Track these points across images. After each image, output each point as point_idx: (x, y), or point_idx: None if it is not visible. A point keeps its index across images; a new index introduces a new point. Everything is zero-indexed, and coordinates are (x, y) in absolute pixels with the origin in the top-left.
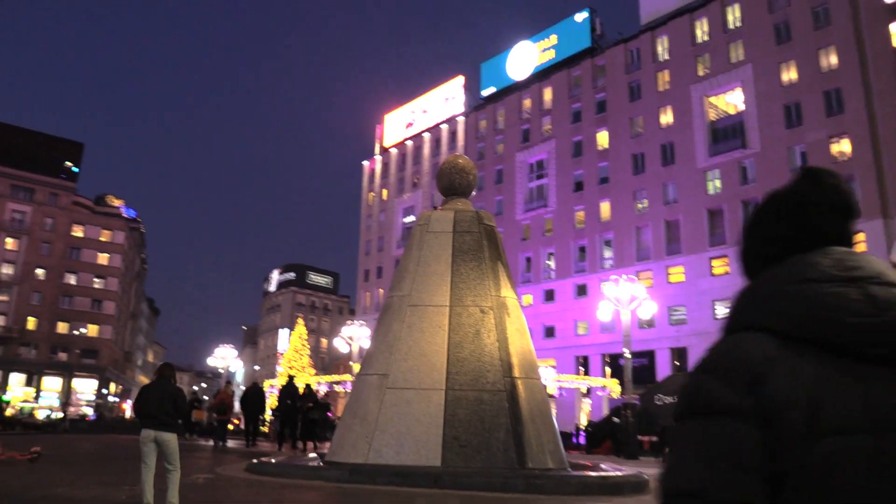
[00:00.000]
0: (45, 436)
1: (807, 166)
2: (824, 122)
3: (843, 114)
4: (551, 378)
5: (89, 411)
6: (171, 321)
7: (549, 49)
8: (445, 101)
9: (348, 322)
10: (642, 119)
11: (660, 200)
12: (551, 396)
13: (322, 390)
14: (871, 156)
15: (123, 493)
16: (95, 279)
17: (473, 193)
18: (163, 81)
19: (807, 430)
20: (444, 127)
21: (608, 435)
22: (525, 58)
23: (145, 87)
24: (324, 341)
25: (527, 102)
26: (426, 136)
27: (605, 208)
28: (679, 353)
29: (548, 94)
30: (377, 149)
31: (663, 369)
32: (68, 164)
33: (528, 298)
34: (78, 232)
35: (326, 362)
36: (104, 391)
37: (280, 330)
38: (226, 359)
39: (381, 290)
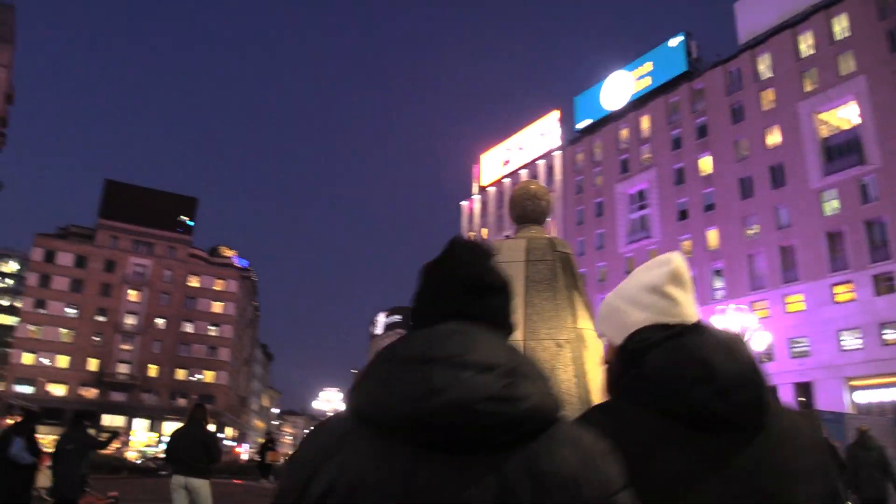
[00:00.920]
0: (150, 479)
1: (452, 237)
2: None
3: None
4: None
5: None
6: (285, 366)
7: (644, 77)
8: (541, 136)
9: None
10: (747, 141)
11: (772, 225)
12: None
13: None
14: None
15: None
16: (211, 327)
17: (548, 220)
18: (270, 133)
19: None
20: (541, 163)
21: None
22: (620, 87)
23: (254, 141)
24: None
25: (624, 132)
26: (523, 172)
27: (712, 236)
28: (804, 389)
29: (645, 122)
30: (475, 188)
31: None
32: (184, 218)
33: None
34: (194, 282)
35: None
36: (220, 435)
37: None
38: (331, 401)
39: None
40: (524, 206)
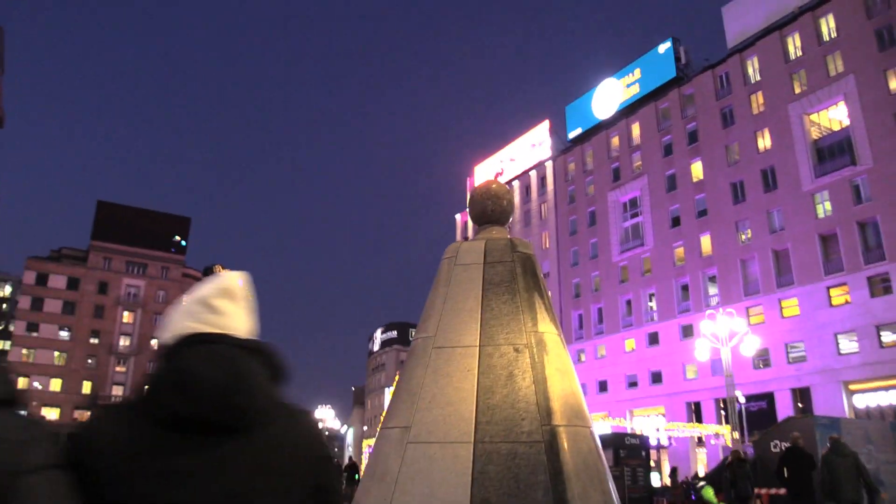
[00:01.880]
0: None
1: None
2: None
3: None
4: (662, 427)
5: None
6: (287, 385)
7: (633, 84)
8: (532, 147)
9: None
10: (738, 145)
11: (765, 229)
12: (662, 447)
13: None
14: None
15: None
16: None
17: (511, 221)
18: (261, 150)
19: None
20: (533, 173)
21: (719, 489)
22: (610, 95)
23: (246, 159)
24: None
25: (615, 140)
26: (515, 183)
27: (705, 242)
28: (802, 394)
29: (636, 129)
30: (468, 200)
31: (785, 412)
32: (177, 238)
33: (630, 343)
34: None
35: None
36: None
37: (386, 389)
38: (325, 420)
39: None
40: (484, 206)
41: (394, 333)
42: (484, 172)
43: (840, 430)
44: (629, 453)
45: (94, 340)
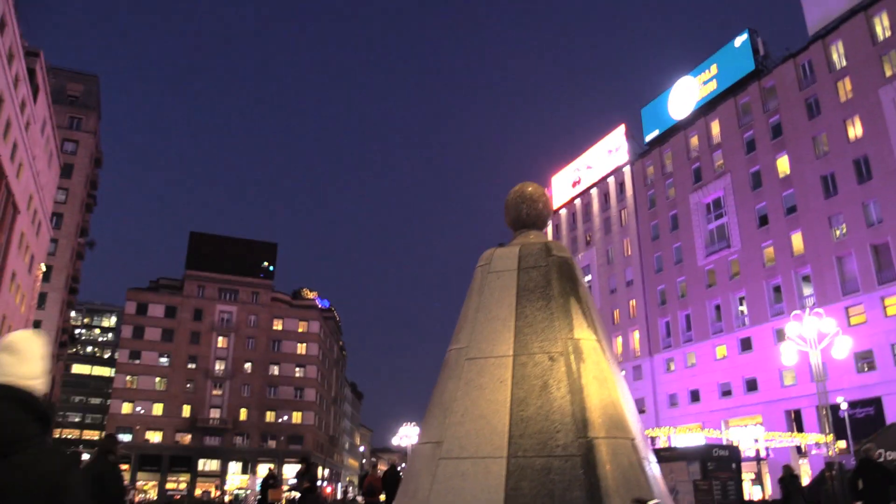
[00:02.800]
0: None
1: None
2: None
3: None
4: (760, 437)
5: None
6: (376, 403)
7: (710, 80)
8: (609, 153)
9: None
10: (826, 136)
11: (861, 223)
12: (762, 459)
13: None
14: None
15: None
16: (296, 368)
17: (549, 225)
18: (339, 171)
19: None
20: (611, 179)
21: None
22: (686, 94)
23: (328, 180)
24: None
25: (694, 140)
26: (594, 191)
27: (797, 241)
28: None
29: (715, 127)
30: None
31: (894, 418)
32: (266, 263)
33: (722, 350)
34: (278, 325)
35: None
36: None
37: None
38: (409, 437)
39: None
40: (519, 210)
41: None
42: (561, 182)
43: None
44: (718, 465)
45: (191, 365)
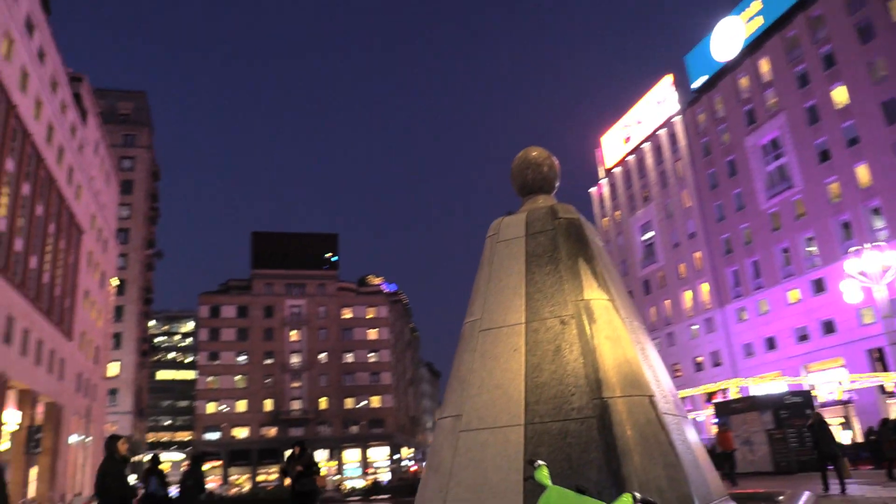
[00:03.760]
0: None
1: None
2: None
3: None
4: (845, 379)
5: (386, 476)
6: None
7: (754, 17)
8: (658, 104)
9: None
10: (883, 60)
11: None
12: (845, 402)
13: None
14: None
15: None
16: (370, 354)
17: (556, 186)
18: (391, 151)
19: None
20: (662, 132)
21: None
22: (731, 35)
23: (382, 162)
24: None
25: (743, 81)
26: (646, 146)
27: (862, 173)
28: None
29: (764, 65)
30: (601, 172)
31: None
32: (328, 255)
33: (794, 294)
34: (347, 314)
35: None
36: (396, 456)
37: None
38: None
39: None
40: (524, 176)
41: None
42: (611, 141)
43: None
44: (791, 413)
45: (268, 361)
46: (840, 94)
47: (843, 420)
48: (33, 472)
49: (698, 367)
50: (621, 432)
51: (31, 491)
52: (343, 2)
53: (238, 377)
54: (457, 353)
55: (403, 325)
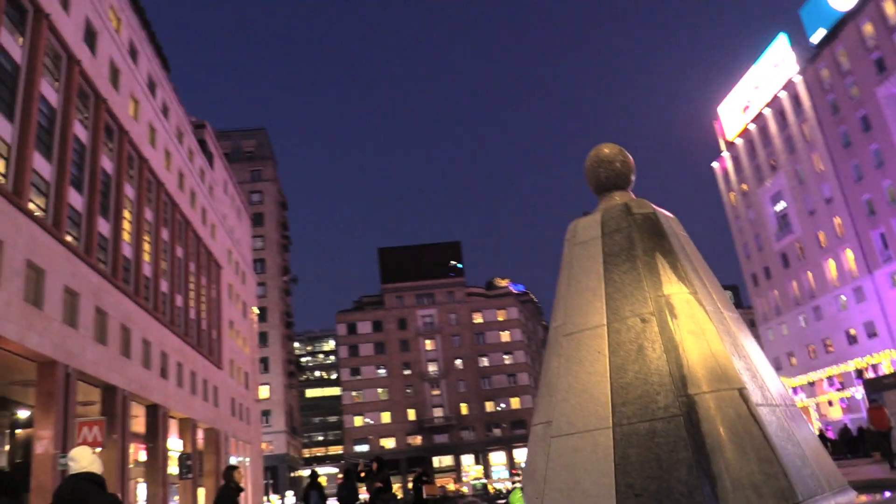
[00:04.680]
0: None
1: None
2: None
3: None
4: None
5: None
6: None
7: None
8: (775, 67)
9: None
10: None
11: None
12: None
13: None
14: None
15: None
16: (504, 356)
17: (632, 180)
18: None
19: None
20: (783, 94)
21: None
22: None
23: (501, 169)
24: None
25: (867, 28)
26: (767, 112)
27: None
28: None
29: (889, 7)
30: (722, 145)
31: None
32: (453, 262)
33: None
34: (478, 319)
35: None
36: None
37: None
38: None
39: (776, 292)
40: (598, 175)
41: None
42: (729, 111)
43: None
44: None
45: (406, 372)
46: None
47: None
48: (201, 493)
49: (852, 339)
50: (710, 429)
51: None
52: (445, 19)
53: (380, 390)
54: (544, 359)
55: (535, 323)
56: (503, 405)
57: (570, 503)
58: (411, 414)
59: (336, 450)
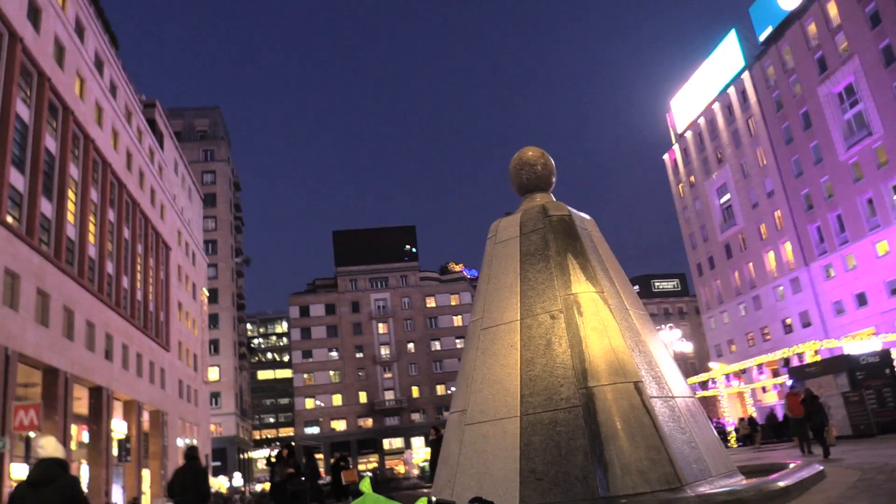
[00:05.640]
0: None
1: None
2: None
3: None
4: None
5: None
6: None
7: None
8: (725, 62)
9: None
10: None
11: None
12: None
13: None
14: None
15: None
16: (457, 340)
17: (553, 183)
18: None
19: None
20: (731, 90)
21: None
22: None
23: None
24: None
25: (811, 28)
26: (716, 106)
27: None
28: None
29: (832, 8)
30: (673, 138)
31: None
32: (407, 246)
33: (883, 246)
34: (431, 303)
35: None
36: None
37: None
38: None
39: (719, 282)
40: (520, 177)
41: (636, 288)
42: (681, 104)
43: None
44: (868, 373)
45: (359, 355)
46: None
47: None
48: (145, 475)
49: (788, 329)
50: (605, 419)
51: (146, 489)
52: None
53: (332, 372)
54: (463, 351)
55: None
56: (454, 388)
57: (480, 487)
58: (363, 397)
59: (287, 432)
